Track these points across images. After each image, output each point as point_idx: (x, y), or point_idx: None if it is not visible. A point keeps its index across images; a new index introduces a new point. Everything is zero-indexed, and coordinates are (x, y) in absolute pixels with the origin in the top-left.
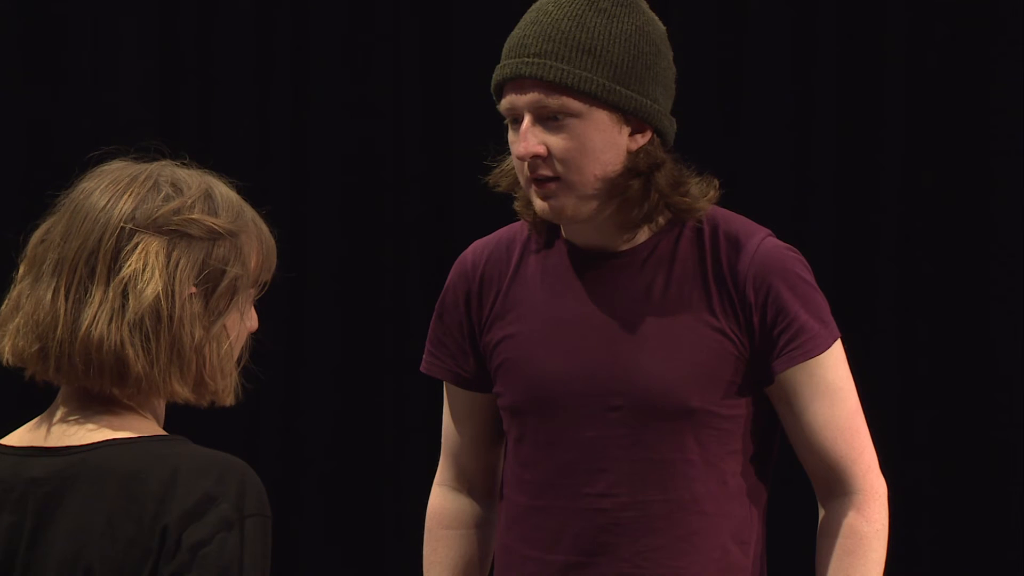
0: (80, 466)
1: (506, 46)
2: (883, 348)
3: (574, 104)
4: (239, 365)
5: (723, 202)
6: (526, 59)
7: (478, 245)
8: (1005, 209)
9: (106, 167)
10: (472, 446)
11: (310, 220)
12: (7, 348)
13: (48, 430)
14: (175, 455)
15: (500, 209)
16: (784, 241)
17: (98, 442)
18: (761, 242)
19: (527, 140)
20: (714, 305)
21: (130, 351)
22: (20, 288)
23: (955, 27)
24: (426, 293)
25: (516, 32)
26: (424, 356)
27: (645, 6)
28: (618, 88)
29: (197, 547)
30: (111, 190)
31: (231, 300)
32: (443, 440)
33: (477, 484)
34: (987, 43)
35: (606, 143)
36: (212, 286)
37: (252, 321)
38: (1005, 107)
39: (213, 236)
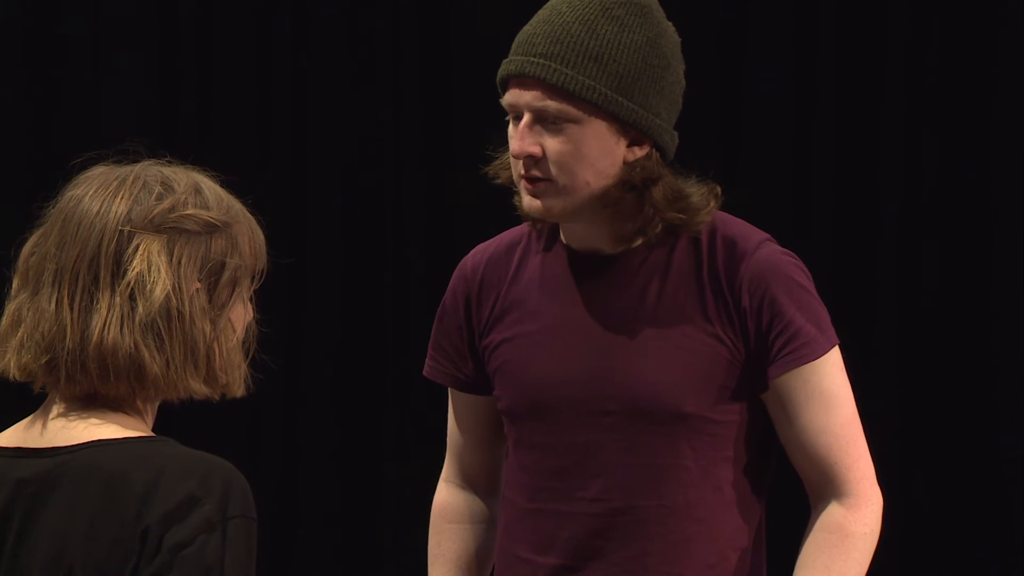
0: (65, 467)
1: (516, 40)
2: (883, 350)
3: (574, 110)
4: (247, 356)
5: (721, 206)
6: (532, 58)
7: (479, 249)
8: (1006, 209)
9: (90, 173)
10: (475, 446)
11: (310, 220)
12: (12, 364)
13: (38, 430)
14: (160, 456)
15: (500, 205)
16: (784, 241)
17: (84, 443)
18: (758, 247)
19: (524, 139)
20: (709, 310)
21: (145, 353)
22: (17, 303)
23: (955, 27)
24: (427, 292)
25: (527, 28)
26: (426, 360)
27: (660, 16)
28: (620, 99)
29: (178, 548)
30: (102, 195)
31: (233, 291)
32: (448, 438)
33: (480, 482)
34: (987, 43)
35: (602, 151)
36: (215, 279)
37: (250, 312)
38: (1006, 107)
39: (210, 229)
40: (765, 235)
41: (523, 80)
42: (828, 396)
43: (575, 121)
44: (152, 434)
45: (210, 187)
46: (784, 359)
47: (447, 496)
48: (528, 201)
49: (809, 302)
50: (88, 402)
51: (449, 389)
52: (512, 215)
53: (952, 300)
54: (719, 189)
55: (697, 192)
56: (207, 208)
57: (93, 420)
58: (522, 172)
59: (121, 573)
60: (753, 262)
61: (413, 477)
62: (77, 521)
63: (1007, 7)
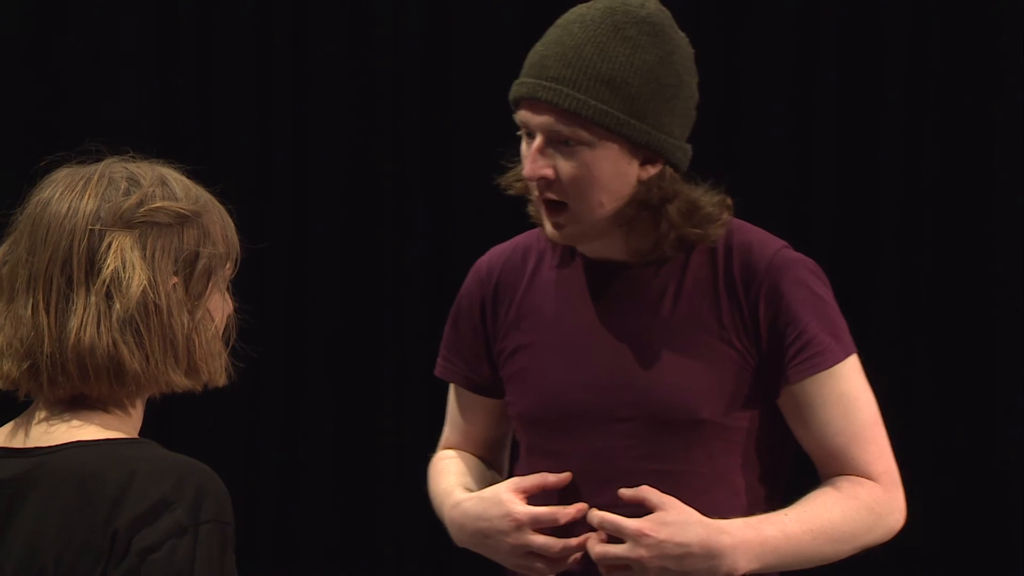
0: (43, 468)
1: (527, 60)
2: (883, 353)
3: (586, 134)
4: (228, 345)
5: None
6: (543, 82)
7: (495, 252)
8: (1006, 209)
9: (54, 176)
10: (477, 440)
11: (310, 219)
12: None
13: (22, 432)
14: (135, 458)
15: (498, 199)
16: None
17: (63, 444)
18: (774, 254)
19: (536, 162)
20: (724, 316)
21: (124, 350)
22: None
23: (956, 25)
24: (426, 289)
25: (539, 48)
26: (438, 360)
27: (673, 31)
28: (633, 122)
29: (146, 552)
30: (69, 196)
31: (209, 281)
32: (448, 423)
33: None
34: (988, 44)
35: (615, 173)
36: (190, 271)
37: (229, 302)
38: (1007, 107)
39: (180, 220)
40: (782, 242)
41: (535, 103)
42: (846, 399)
43: (588, 144)
44: (132, 436)
45: (176, 178)
46: (797, 367)
47: (443, 453)
48: (549, 229)
49: (824, 310)
50: (72, 404)
51: (454, 389)
52: (508, 205)
53: (952, 301)
54: (730, 200)
55: (709, 203)
56: (175, 199)
57: (75, 422)
58: (537, 193)
59: (91, 575)
60: (768, 269)
61: (412, 473)
62: (51, 522)
63: (1008, 5)
